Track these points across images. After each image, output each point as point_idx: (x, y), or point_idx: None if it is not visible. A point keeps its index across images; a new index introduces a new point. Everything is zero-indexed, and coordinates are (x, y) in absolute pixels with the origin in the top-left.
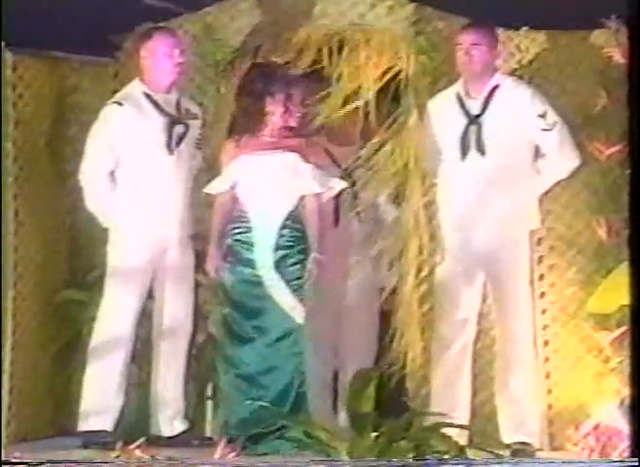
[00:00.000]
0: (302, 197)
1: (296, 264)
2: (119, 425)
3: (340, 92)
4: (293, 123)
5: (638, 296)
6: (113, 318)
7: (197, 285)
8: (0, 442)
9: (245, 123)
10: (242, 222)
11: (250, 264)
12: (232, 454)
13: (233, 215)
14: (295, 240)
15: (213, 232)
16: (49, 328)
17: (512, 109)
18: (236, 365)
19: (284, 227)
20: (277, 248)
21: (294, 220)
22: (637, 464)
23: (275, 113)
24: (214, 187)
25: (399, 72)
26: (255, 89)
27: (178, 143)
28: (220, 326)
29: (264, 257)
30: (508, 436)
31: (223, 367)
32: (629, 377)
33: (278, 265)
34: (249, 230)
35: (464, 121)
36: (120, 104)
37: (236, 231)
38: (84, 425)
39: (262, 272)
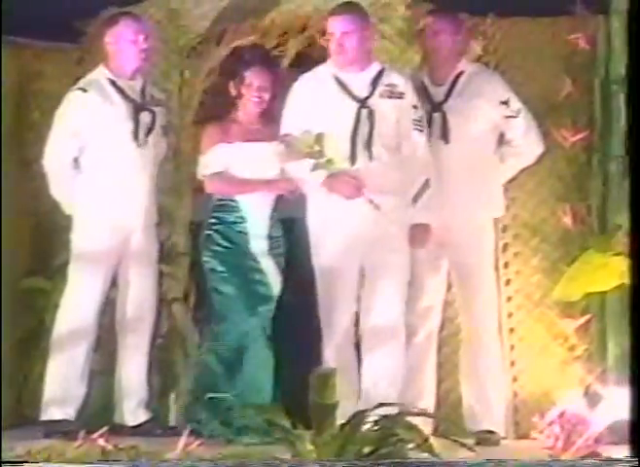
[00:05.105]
0: None
1: (282, 254)
2: (81, 414)
3: None
4: (260, 108)
5: (637, 285)
6: (76, 306)
7: (161, 274)
8: (0, 442)
9: (222, 108)
10: (234, 211)
11: (247, 251)
12: (196, 444)
13: (222, 202)
14: (281, 229)
15: (247, 188)
16: (11, 316)
17: (476, 96)
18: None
19: (272, 216)
20: (270, 237)
21: (280, 208)
22: (637, 464)
23: (250, 99)
24: (203, 169)
25: None
26: (236, 74)
27: (145, 131)
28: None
29: (259, 245)
30: (473, 424)
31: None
32: (629, 376)
33: (271, 252)
34: (243, 220)
35: (427, 108)
36: (84, 90)
37: (230, 220)
38: (46, 415)
39: (260, 260)
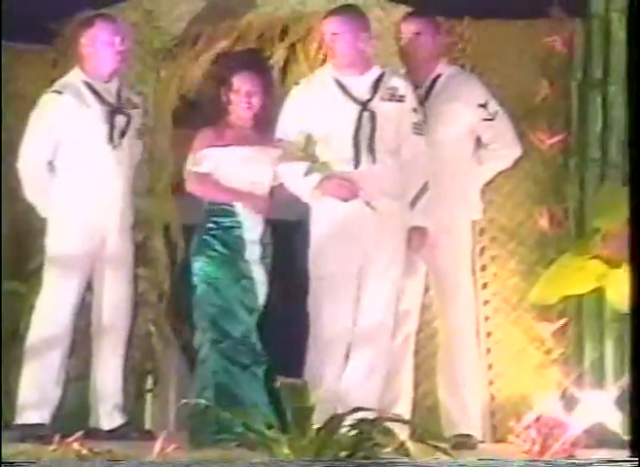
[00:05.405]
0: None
1: (270, 262)
2: (57, 418)
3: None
4: (250, 113)
5: (637, 293)
6: (51, 310)
7: (138, 278)
8: (0, 442)
9: (215, 113)
10: (230, 216)
11: (242, 258)
12: (172, 447)
13: (218, 207)
14: (269, 236)
15: (230, 195)
16: None
17: (453, 98)
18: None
19: (265, 222)
20: (262, 243)
21: (272, 213)
22: (637, 464)
23: (239, 105)
24: (189, 166)
25: None
26: (224, 80)
27: (120, 134)
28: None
29: (253, 252)
30: (450, 428)
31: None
32: (630, 376)
33: (262, 260)
34: (239, 225)
35: None
36: (59, 93)
37: (227, 224)
38: (21, 418)
39: (252, 268)
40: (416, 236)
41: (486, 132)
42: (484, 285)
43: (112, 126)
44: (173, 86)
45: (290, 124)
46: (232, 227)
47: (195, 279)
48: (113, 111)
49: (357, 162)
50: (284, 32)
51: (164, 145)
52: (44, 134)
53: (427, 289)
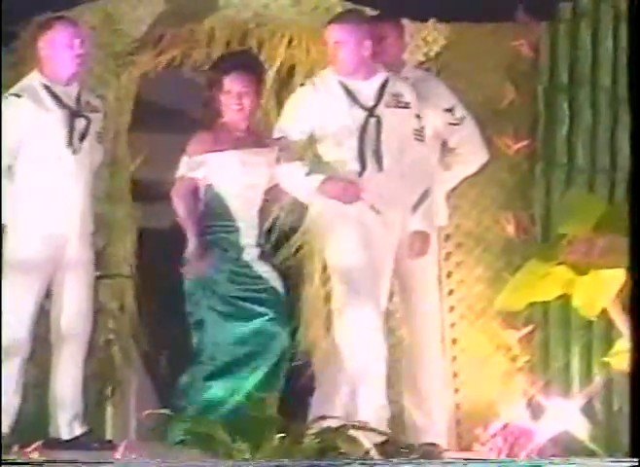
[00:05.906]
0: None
1: (274, 263)
2: (16, 428)
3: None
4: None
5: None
6: (10, 317)
7: (97, 284)
8: (0, 442)
9: (210, 115)
10: (228, 220)
11: (241, 262)
12: (132, 457)
13: (214, 211)
14: (265, 240)
15: (188, 223)
16: None
17: (419, 102)
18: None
19: (261, 226)
20: (259, 245)
21: (264, 217)
22: (637, 464)
23: (230, 106)
24: (184, 169)
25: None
26: (216, 82)
27: (80, 137)
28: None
29: (250, 253)
30: (415, 436)
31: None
32: (630, 377)
33: (263, 258)
34: (237, 230)
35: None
36: (18, 96)
37: (224, 229)
38: None
39: (254, 267)
40: (418, 241)
41: (453, 137)
42: (450, 292)
43: (71, 130)
44: (134, 89)
45: (292, 123)
46: (229, 231)
47: (188, 283)
48: (72, 115)
49: (362, 168)
50: (245, 36)
51: (125, 149)
52: (2, 138)
53: (392, 295)
